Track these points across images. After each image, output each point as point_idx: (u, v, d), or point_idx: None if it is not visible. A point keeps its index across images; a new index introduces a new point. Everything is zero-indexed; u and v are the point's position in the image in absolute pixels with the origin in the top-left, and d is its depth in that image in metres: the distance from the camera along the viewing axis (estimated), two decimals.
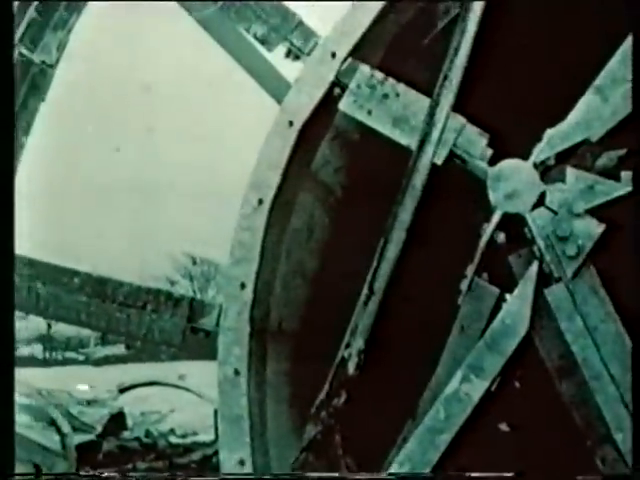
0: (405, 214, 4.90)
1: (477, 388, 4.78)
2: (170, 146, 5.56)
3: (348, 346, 4.93)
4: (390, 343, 4.94)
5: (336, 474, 4.97)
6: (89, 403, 6.20)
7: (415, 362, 4.90)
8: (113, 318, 5.27)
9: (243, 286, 5.07)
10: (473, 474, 4.82)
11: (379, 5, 5.01)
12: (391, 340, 4.94)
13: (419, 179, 4.89)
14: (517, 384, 4.83)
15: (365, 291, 4.92)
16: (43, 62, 5.39)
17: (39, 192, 5.59)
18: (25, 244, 5.50)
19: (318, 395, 4.96)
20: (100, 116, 5.63)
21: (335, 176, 5.06)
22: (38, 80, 5.41)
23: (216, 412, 5.35)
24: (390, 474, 4.86)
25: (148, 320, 5.24)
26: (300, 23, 5.16)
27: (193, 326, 5.22)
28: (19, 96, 5.36)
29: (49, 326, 6.54)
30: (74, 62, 5.25)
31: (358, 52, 5.03)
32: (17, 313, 6.22)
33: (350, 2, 5.02)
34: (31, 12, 5.28)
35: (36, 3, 5.22)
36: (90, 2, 5.23)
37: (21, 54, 5.33)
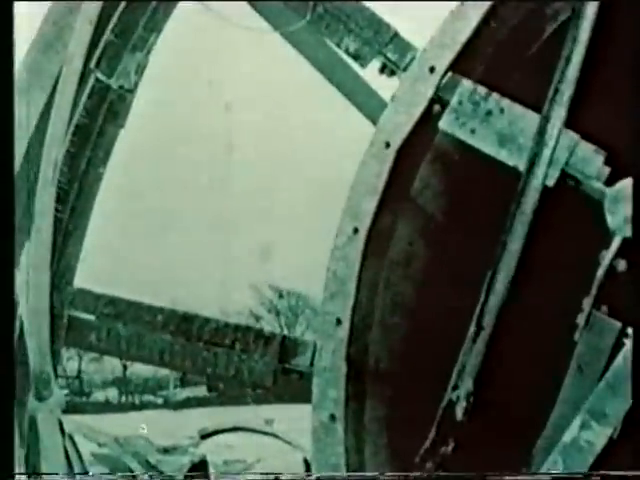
0: (514, 242, 4.90)
1: (599, 436, 4.73)
2: (252, 169, 5.65)
3: (455, 388, 4.92)
4: (501, 384, 4.93)
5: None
6: (169, 451, 6.29)
7: (528, 406, 4.87)
8: (199, 358, 5.34)
9: (339, 322, 5.11)
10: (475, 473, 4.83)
11: (480, 13, 5.04)
12: (502, 381, 4.93)
13: (529, 203, 4.89)
14: None
15: (473, 327, 4.92)
16: (121, 87, 5.51)
17: (110, 224, 5.72)
18: (97, 279, 5.65)
19: (423, 443, 4.98)
20: (178, 142, 5.77)
21: (435, 201, 5.07)
22: (116, 106, 5.53)
23: (306, 461, 5.41)
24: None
25: (237, 360, 5.29)
26: (395, 35, 5.18)
27: (285, 366, 5.26)
28: (96, 124, 5.49)
29: (125, 367, 6.66)
30: (153, 85, 5.37)
31: (458, 65, 5.07)
32: (90, 355, 6.39)
33: (448, 10, 5.05)
34: (107, 35, 5.42)
35: (112, 25, 5.37)
36: (169, 20, 5.38)
37: (97, 80, 5.46)
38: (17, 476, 4.99)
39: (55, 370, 5.52)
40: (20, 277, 5.44)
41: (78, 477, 5.44)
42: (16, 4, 5.06)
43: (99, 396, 6.88)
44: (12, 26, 4.99)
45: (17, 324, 5.46)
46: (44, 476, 5.40)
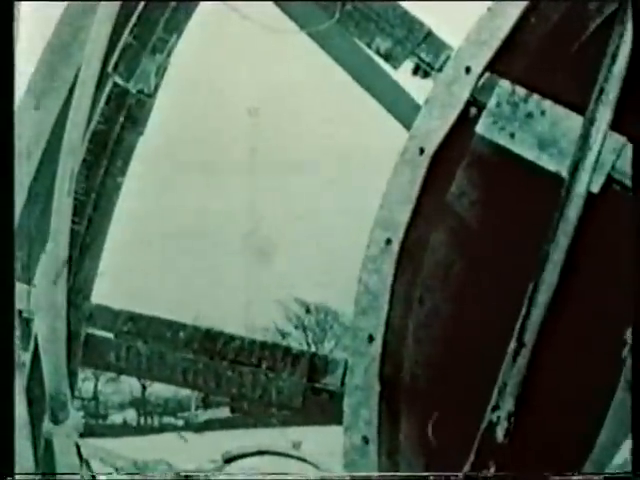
0: (558, 253, 4.82)
1: None
2: (277, 176, 5.60)
3: (496, 408, 4.85)
4: (544, 404, 4.84)
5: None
6: (190, 476, 6.22)
7: (574, 427, 4.79)
8: (223, 377, 5.29)
9: (371, 339, 5.06)
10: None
11: (519, 8, 4.96)
12: (545, 401, 4.84)
13: (573, 211, 4.81)
14: None
15: (514, 343, 4.84)
16: (140, 91, 5.47)
17: (130, 236, 5.69)
18: (116, 295, 5.60)
19: (461, 466, 4.90)
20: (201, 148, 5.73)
21: (472, 210, 5.02)
22: (135, 112, 5.48)
23: None
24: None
25: (263, 379, 5.25)
26: (429, 34, 5.14)
27: (314, 386, 5.21)
28: (114, 131, 5.46)
29: (144, 388, 6.59)
30: (174, 88, 5.33)
31: (496, 65, 5.00)
32: (106, 375, 6.34)
33: (485, 6, 4.98)
34: (125, 36, 5.38)
35: (131, 26, 5.33)
36: (191, 20, 5.33)
37: (115, 84, 5.42)
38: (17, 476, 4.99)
39: (72, 391, 5.48)
40: (35, 293, 5.41)
41: (79, 477, 5.40)
42: (16, 4, 5.04)
43: (116, 418, 6.82)
44: (12, 26, 4.96)
45: (32, 343, 5.43)
46: (44, 476, 5.40)
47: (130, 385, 6.51)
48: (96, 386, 6.38)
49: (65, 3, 5.30)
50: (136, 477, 5.35)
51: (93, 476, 5.41)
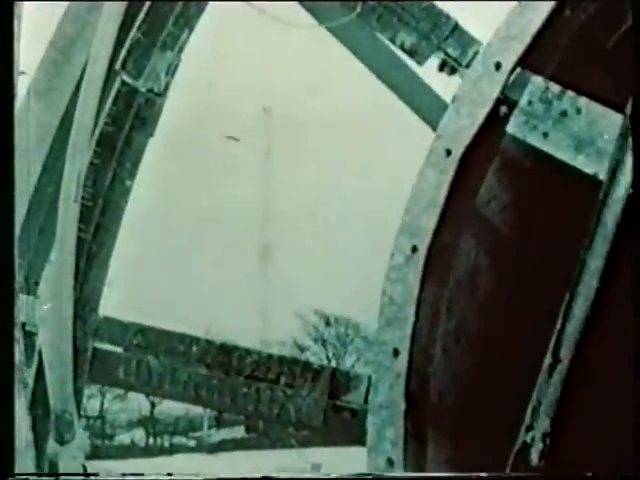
0: (595, 261, 4.71)
1: None
2: (293, 176, 5.53)
3: (530, 428, 4.73)
4: (581, 424, 4.72)
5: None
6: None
7: (612, 447, 4.66)
8: (239, 394, 5.22)
9: (396, 353, 4.99)
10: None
11: (551, 1, 4.87)
12: (582, 420, 4.72)
13: (611, 216, 4.70)
14: None
15: (548, 359, 4.72)
16: (150, 90, 5.41)
17: (139, 244, 5.63)
18: (125, 306, 5.53)
19: None
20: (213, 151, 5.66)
21: (503, 215, 4.93)
22: (144, 112, 5.42)
23: None
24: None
25: (281, 396, 5.18)
26: (456, 28, 5.08)
27: (336, 403, 5.14)
28: (122, 133, 5.40)
29: (152, 405, 6.48)
30: (185, 86, 5.25)
31: (528, 60, 4.92)
32: (114, 392, 6.25)
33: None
34: (134, 32, 5.32)
35: (139, 21, 5.27)
36: (203, 15, 5.25)
37: (124, 82, 5.36)
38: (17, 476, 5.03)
39: (78, 409, 5.41)
40: (39, 304, 5.37)
41: (81, 477, 5.37)
42: (17, 3, 5.03)
43: (124, 438, 6.72)
44: (12, 26, 4.96)
45: (35, 358, 5.38)
46: (44, 476, 5.39)
47: (138, 403, 6.43)
48: (102, 404, 6.30)
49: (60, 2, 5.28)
50: (136, 477, 5.27)
51: (93, 476, 5.33)
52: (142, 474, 5.22)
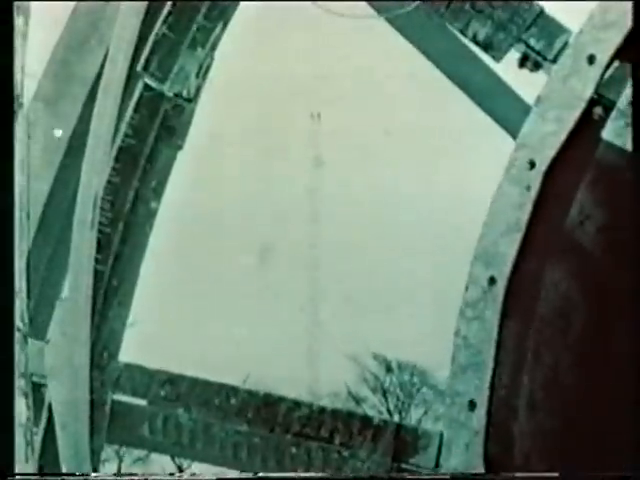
0: None
1: None
2: (344, 185, 5.34)
3: None
4: (581, 424, 4.49)
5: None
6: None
7: (612, 447, 4.44)
8: (286, 455, 5.00)
9: (472, 406, 4.73)
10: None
11: None
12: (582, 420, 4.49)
13: None
14: None
15: None
16: (177, 95, 5.20)
17: (165, 279, 5.43)
18: (149, 351, 5.32)
19: None
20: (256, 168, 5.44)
21: (599, 237, 4.64)
22: (172, 121, 5.23)
23: None
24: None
25: (336, 458, 4.94)
26: (540, 15, 4.78)
27: (401, 466, 4.87)
28: (146, 145, 5.20)
29: (180, 470, 6.19)
30: (219, 91, 4.98)
31: (627, 52, 4.63)
32: (133, 454, 5.98)
33: None
34: (158, 28, 5.11)
35: (165, 14, 5.05)
36: (240, 8, 5.00)
37: (147, 86, 5.16)
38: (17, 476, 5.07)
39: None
40: (49, 350, 5.16)
41: (82, 477, 5.19)
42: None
43: None
44: (12, 26, 4.94)
45: (44, 414, 5.19)
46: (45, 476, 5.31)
47: (162, 467, 6.22)
48: (119, 469, 6.06)
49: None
50: (136, 477, 5.10)
51: (93, 476, 5.18)
52: (142, 474, 5.09)
